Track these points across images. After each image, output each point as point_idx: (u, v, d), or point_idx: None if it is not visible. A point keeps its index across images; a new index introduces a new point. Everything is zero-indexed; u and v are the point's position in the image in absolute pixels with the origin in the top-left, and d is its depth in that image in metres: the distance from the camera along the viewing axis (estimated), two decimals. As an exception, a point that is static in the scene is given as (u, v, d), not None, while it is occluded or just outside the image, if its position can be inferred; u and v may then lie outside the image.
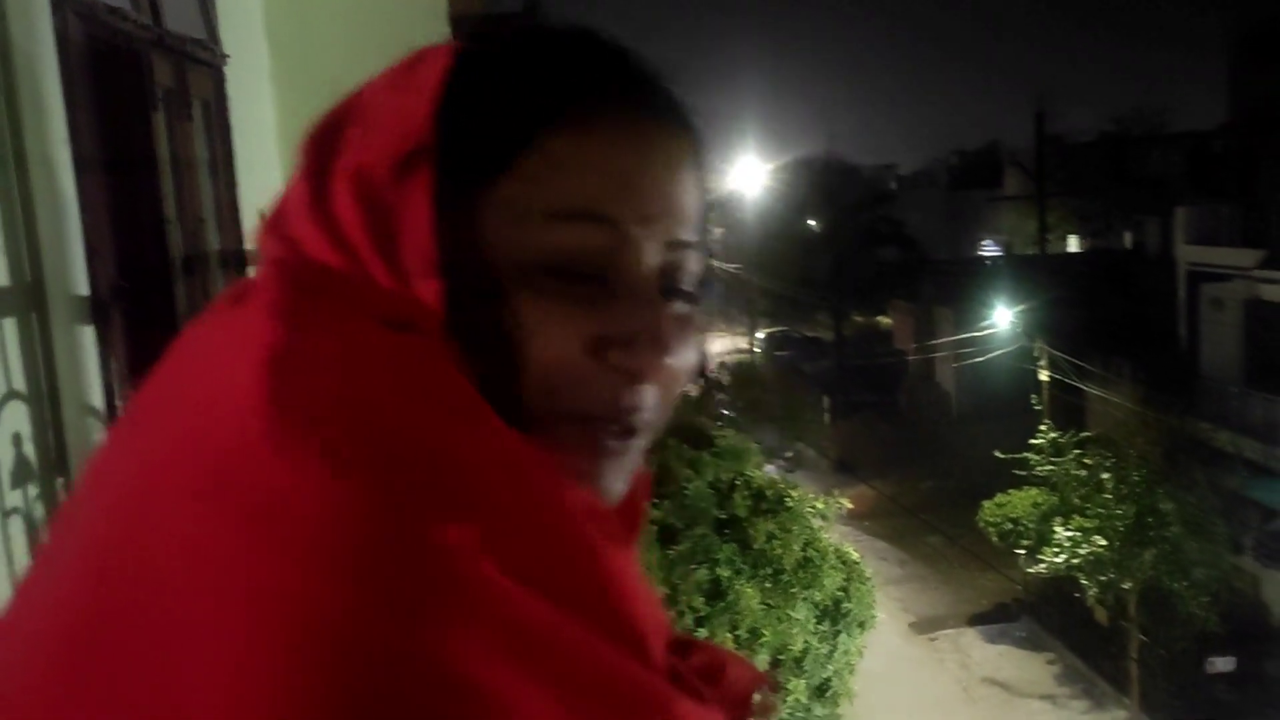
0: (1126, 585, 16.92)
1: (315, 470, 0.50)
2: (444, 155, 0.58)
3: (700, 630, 10.99)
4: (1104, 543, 16.64)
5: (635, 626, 0.56)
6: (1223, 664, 17.04)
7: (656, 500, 11.78)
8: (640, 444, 0.65)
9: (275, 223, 0.63)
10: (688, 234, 0.65)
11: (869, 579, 12.43)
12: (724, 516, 11.97)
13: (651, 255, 0.62)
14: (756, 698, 0.93)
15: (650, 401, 0.63)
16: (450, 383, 0.55)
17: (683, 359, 0.65)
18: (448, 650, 0.47)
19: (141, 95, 1.25)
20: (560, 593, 0.52)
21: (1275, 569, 17.89)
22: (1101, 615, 18.77)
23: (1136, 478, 16.93)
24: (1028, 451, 18.84)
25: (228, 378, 0.55)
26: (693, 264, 0.67)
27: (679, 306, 0.65)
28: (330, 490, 0.49)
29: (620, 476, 0.65)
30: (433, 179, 0.58)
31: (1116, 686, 18.16)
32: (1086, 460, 17.71)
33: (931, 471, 28.71)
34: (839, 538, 12.75)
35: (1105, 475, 17.21)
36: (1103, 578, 16.91)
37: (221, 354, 0.57)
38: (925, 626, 21.92)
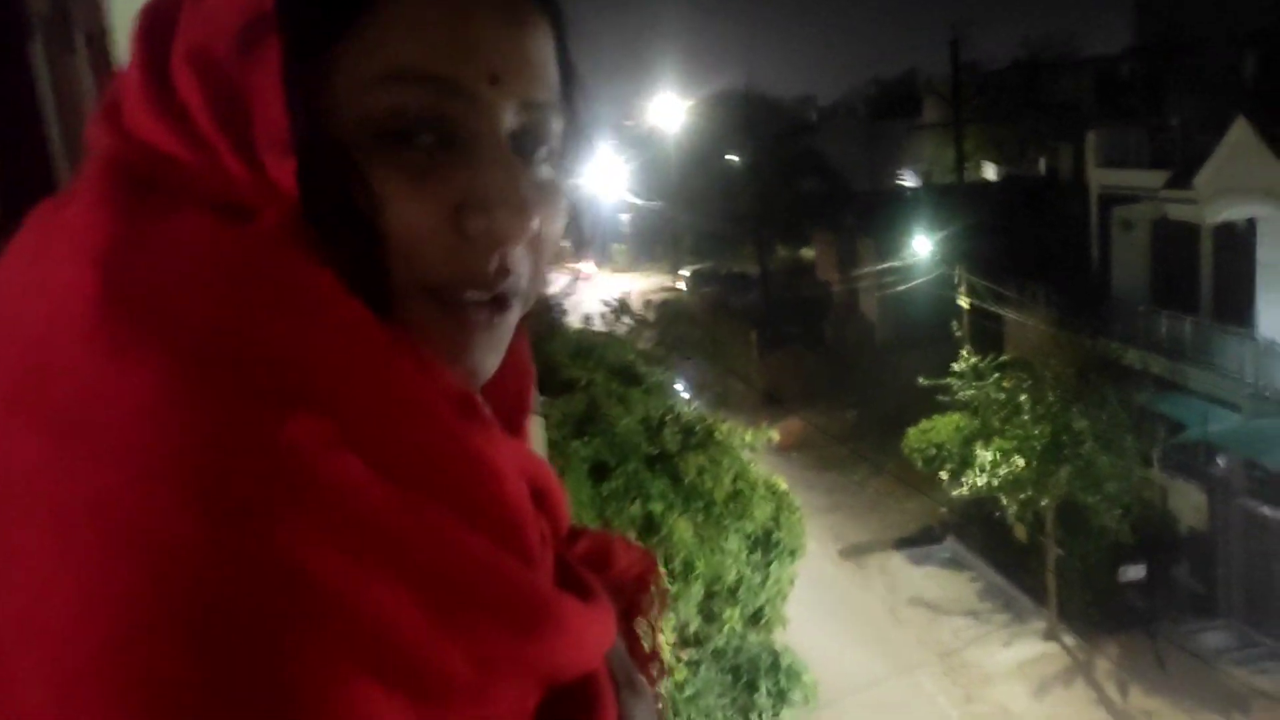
0: (1044, 502, 17.52)
1: (145, 369, 0.47)
2: (284, 23, 0.54)
3: (634, 565, 11.17)
4: (1022, 462, 17.18)
5: (507, 516, 0.54)
6: (1134, 572, 17.81)
7: (587, 437, 11.83)
8: (511, 316, 0.64)
9: (106, 116, 0.58)
10: (544, 95, 0.62)
11: (798, 508, 12.68)
12: (655, 452, 12.06)
13: (505, 117, 0.59)
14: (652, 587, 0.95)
15: (516, 268, 0.61)
16: (296, 269, 0.52)
17: (549, 224, 0.63)
18: (289, 548, 0.45)
19: (14, 22, 1.17)
20: (423, 483, 0.50)
21: (1181, 480, 18.67)
22: (1021, 533, 19.45)
23: (1052, 398, 17.45)
24: (949, 377, 19.29)
25: (50, 279, 0.51)
26: (554, 127, 0.64)
27: (542, 170, 0.63)
28: (162, 389, 0.46)
29: (491, 352, 0.63)
30: (279, 50, 0.54)
31: (1035, 599, 18.90)
32: (1005, 383, 18.19)
33: (857, 401, 29.26)
34: (769, 469, 12.94)
35: (1023, 397, 17.71)
36: (1021, 496, 17.49)
37: (43, 256, 0.53)
38: (854, 553, 22.50)
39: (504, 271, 0.60)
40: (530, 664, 0.53)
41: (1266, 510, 17.04)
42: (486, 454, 0.55)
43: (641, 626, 0.96)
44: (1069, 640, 17.91)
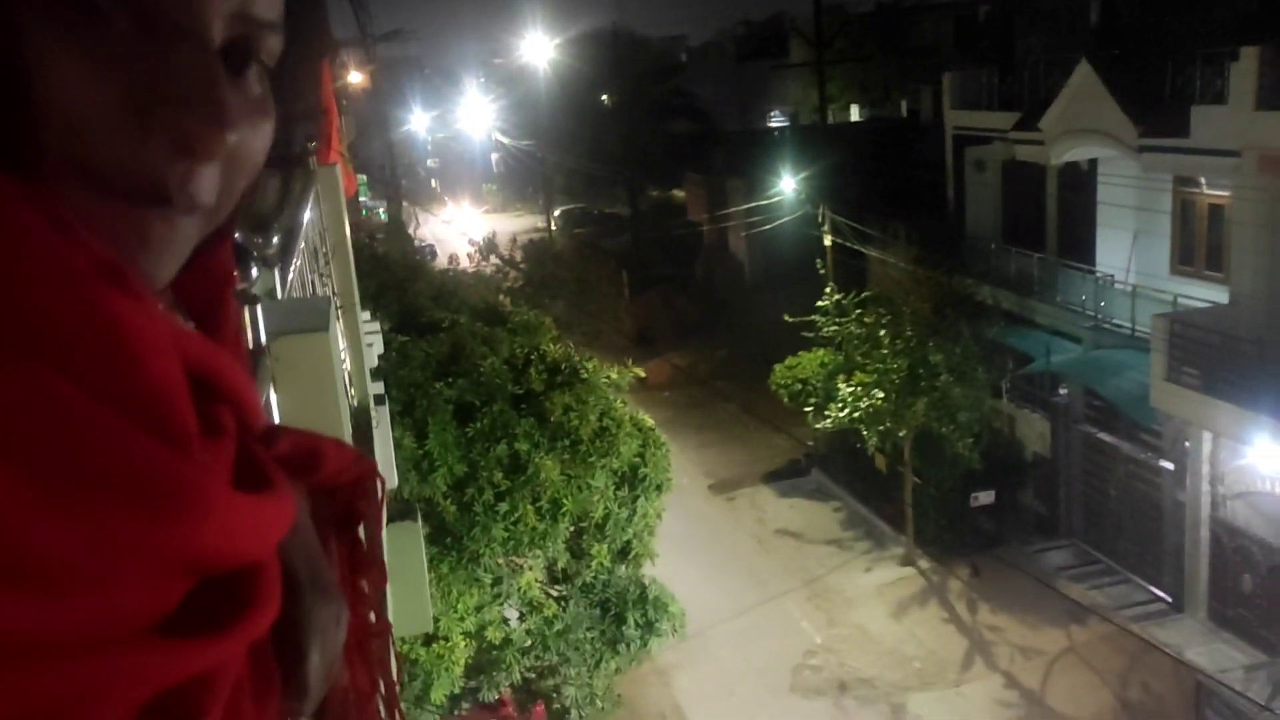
0: (902, 433, 18.21)
1: None
2: None
3: (503, 504, 11.16)
4: (882, 395, 17.79)
5: (146, 393, 0.51)
6: (984, 497, 18.75)
7: (451, 378, 11.71)
8: (190, 227, 0.61)
9: None
10: (266, 13, 0.60)
11: (665, 444, 12.83)
12: (520, 391, 12.02)
13: (216, 21, 0.57)
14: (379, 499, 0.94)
15: (205, 181, 0.58)
16: None
17: (249, 143, 0.61)
18: None
19: None
20: (40, 350, 0.46)
21: (1028, 409, 19.66)
22: (881, 463, 20.21)
23: (910, 333, 18.07)
24: (814, 314, 19.75)
25: None
26: (273, 47, 0.62)
27: (252, 88, 0.61)
28: None
29: (163, 258, 0.60)
30: None
31: (894, 526, 19.73)
32: (866, 319, 18.74)
33: (727, 340, 29.74)
34: (638, 408, 13.06)
35: (883, 332, 18.28)
36: (881, 428, 18.13)
37: None
38: (723, 487, 23.01)
39: (188, 179, 0.57)
40: (165, 551, 0.50)
41: (1103, 436, 18.11)
42: (128, 325, 0.51)
43: (361, 532, 0.95)
44: (924, 564, 18.79)
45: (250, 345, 1.76)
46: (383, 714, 0.98)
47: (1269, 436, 13.46)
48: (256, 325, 1.78)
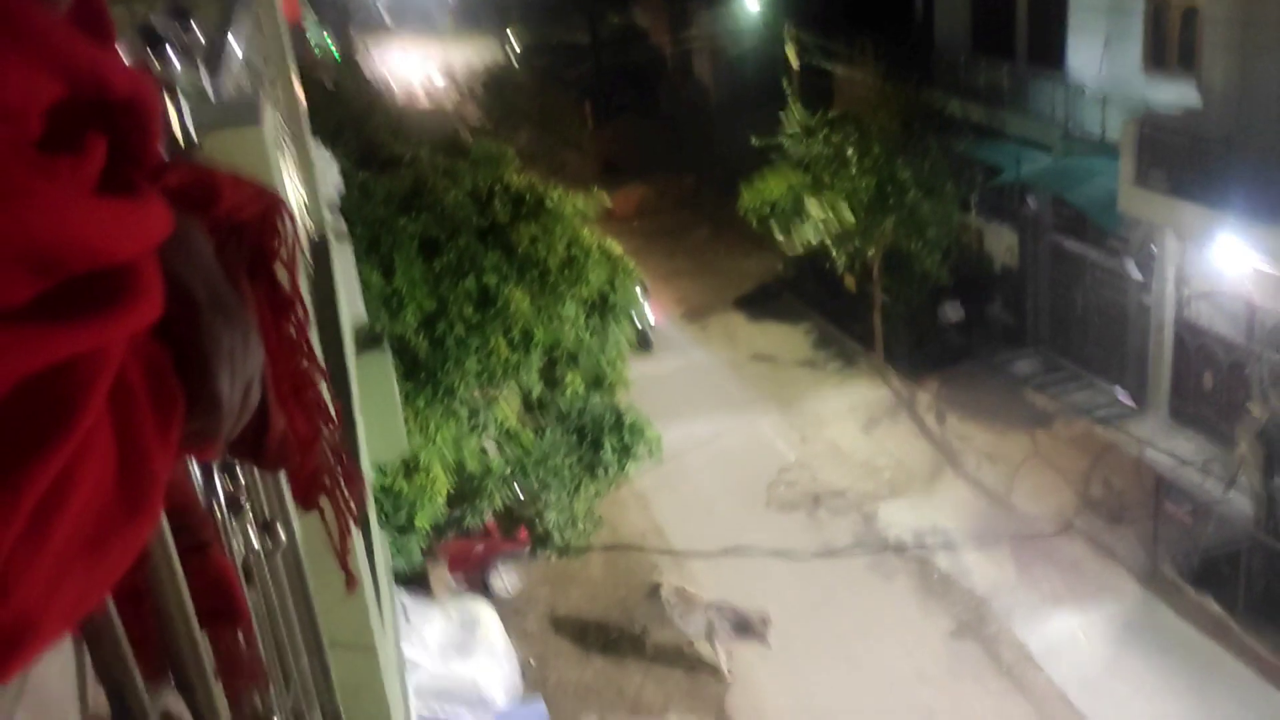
0: (870, 252, 18.25)
1: None
2: None
3: (474, 337, 11.19)
4: (850, 214, 17.71)
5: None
6: (952, 313, 18.97)
7: (415, 213, 11.53)
8: None
9: None
10: None
11: (633, 271, 12.81)
12: (486, 224, 11.88)
13: None
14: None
15: None
16: None
17: None
18: None
19: None
20: None
21: (996, 222, 19.67)
22: (850, 283, 20.31)
23: (878, 150, 17.85)
24: (781, 136, 19.43)
25: None
26: None
27: None
28: None
29: None
30: None
31: (865, 345, 20.01)
32: (833, 139, 18.47)
33: (694, 166, 29.31)
34: (608, 239, 12.96)
35: (850, 151, 18.06)
36: (850, 247, 18.14)
37: None
38: (696, 315, 23.15)
39: None
40: (10, 243, 0.52)
41: (1070, 244, 18.20)
42: None
43: (276, 272, 0.93)
44: (894, 380, 19.15)
45: (181, 141, 1.68)
46: (330, 460, 0.98)
47: (1233, 236, 13.57)
48: (182, 117, 1.68)
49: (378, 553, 3.06)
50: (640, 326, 18.73)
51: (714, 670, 13.00)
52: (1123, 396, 17.33)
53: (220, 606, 0.99)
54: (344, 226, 7.19)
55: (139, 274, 0.60)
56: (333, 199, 7.55)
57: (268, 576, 1.48)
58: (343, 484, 1.03)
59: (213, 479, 1.20)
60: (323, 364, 1.06)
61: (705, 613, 12.56)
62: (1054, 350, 18.92)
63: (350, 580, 1.20)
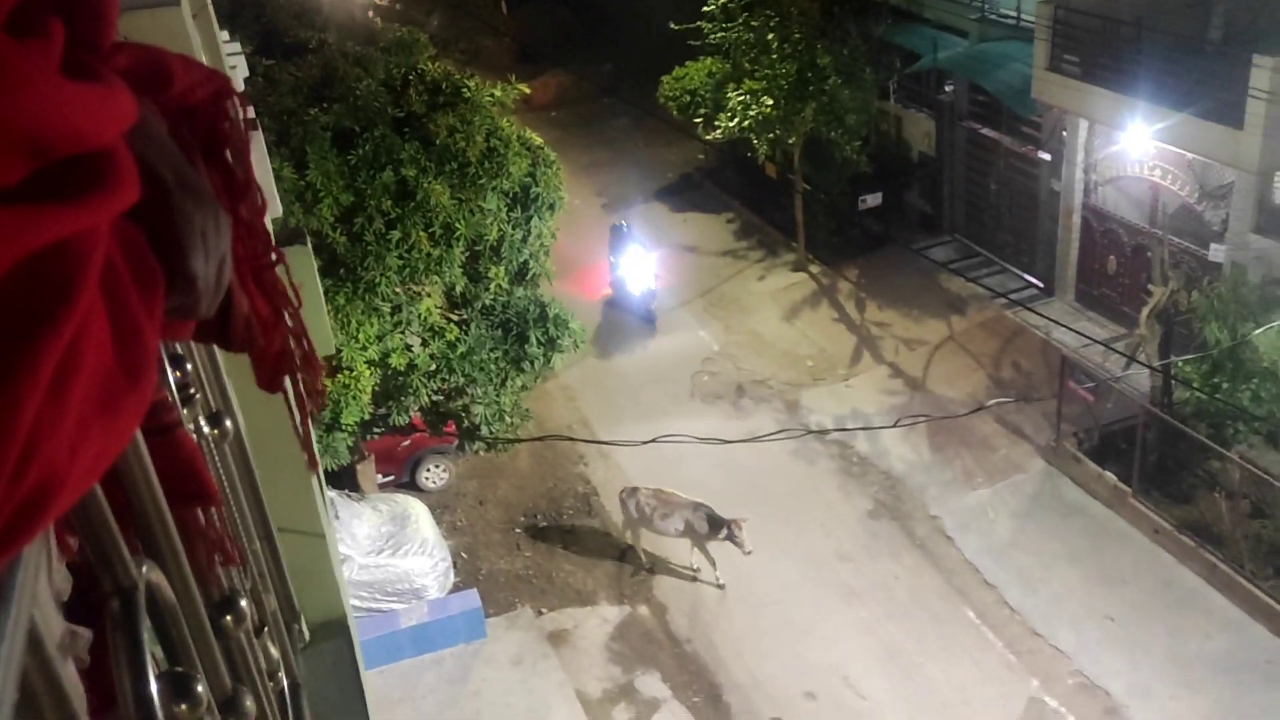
0: (791, 140, 18.24)
1: None
2: None
3: (394, 232, 11.00)
4: (770, 102, 17.62)
5: None
6: (872, 200, 19.17)
7: (326, 104, 11.17)
8: None
9: None
10: None
11: (555, 162, 12.63)
12: (401, 114, 11.57)
13: None
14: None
15: None
16: None
17: None
18: None
19: None
20: None
21: (914, 108, 19.77)
22: (771, 171, 20.33)
23: (798, 35, 17.69)
24: (701, 21, 19.10)
25: None
26: None
27: None
28: None
29: None
30: None
31: (786, 233, 20.16)
32: (753, 23, 18.22)
33: (612, 53, 28.71)
34: (528, 130, 12.71)
35: (770, 36, 17.86)
36: (771, 135, 18.10)
37: None
38: (617, 206, 22.98)
39: None
40: None
41: (985, 131, 18.42)
42: None
43: (230, 159, 0.94)
44: (815, 268, 19.40)
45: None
46: (292, 343, 1.01)
47: (1141, 121, 13.87)
48: None
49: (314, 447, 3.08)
50: (640, 295, 18.27)
51: (640, 558, 13.37)
52: (1032, 281, 17.84)
53: (191, 488, 1.02)
54: (252, 115, 6.96)
55: (117, 157, 0.62)
56: (239, 86, 7.28)
57: (218, 464, 1.51)
58: (305, 367, 1.06)
59: (164, 369, 1.22)
60: (294, 282, 1.07)
61: (683, 514, 12.56)
62: (969, 236, 19.31)
63: (311, 461, 1.24)
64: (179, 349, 1.37)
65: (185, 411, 1.36)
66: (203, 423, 1.43)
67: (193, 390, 1.38)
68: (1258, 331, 11.84)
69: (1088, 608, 12.12)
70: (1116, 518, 13.20)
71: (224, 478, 1.58)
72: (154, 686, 0.77)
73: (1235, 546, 12.00)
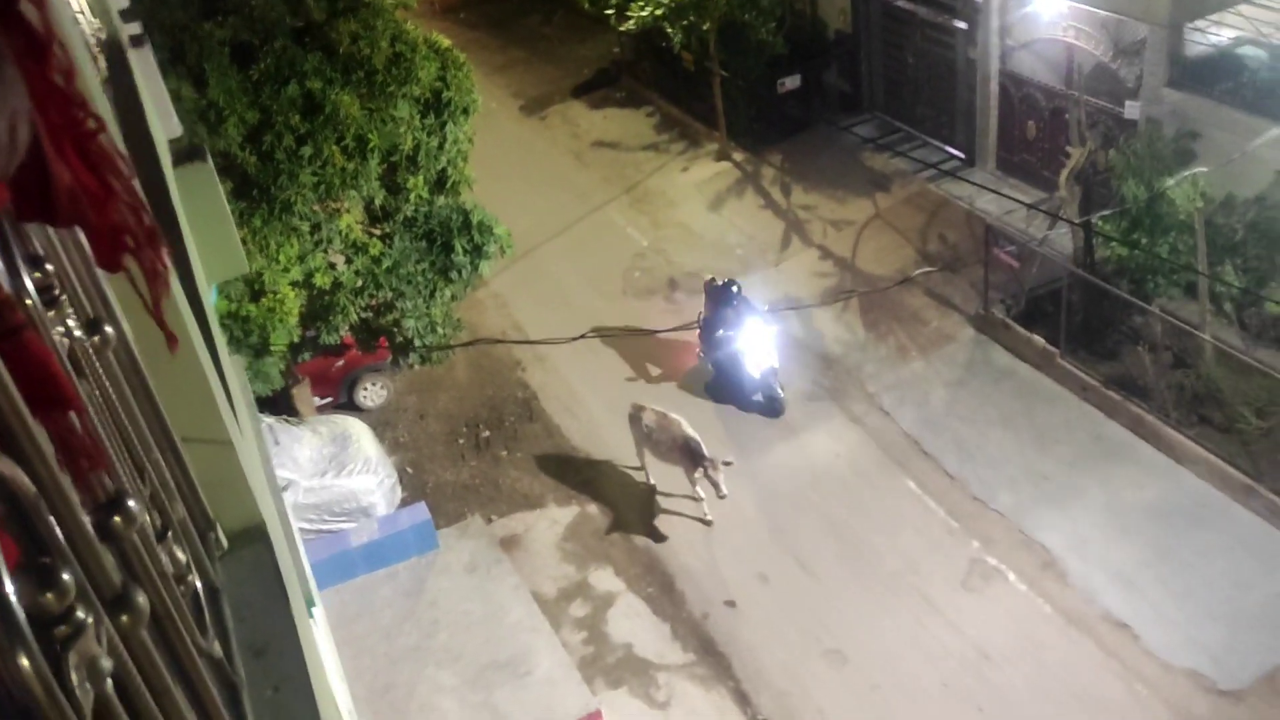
0: (705, 26, 17.90)
1: None
2: None
3: (305, 148, 10.66)
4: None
5: None
6: (790, 82, 18.98)
7: (221, 16, 10.68)
8: None
9: None
10: None
11: (465, 63, 12.26)
12: (301, 24, 11.11)
13: None
14: None
15: None
16: None
17: None
18: None
19: None
20: None
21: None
22: (688, 61, 19.98)
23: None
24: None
25: None
26: None
27: None
28: None
29: None
30: None
31: (707, 123, 19.93)
32: (659, -94, 17.68)
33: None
34: (436, 34, 12.28)
35: (677, -82, 17.37)
36: (685, 22, 17.75)
37: None
38: (533, 107, 22.52)
39: None
40: None
41: (900, 3, 18.22)
42: None
43: (24, 15, 0.86)
44: (739, 156, 19.26)
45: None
46: (129, 218, 0.95)
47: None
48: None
49: (226, 366, 3.00)
50: (759, 377, 13.65)
51: (587, 460, 13.47)
52: (954, 152, 17.91)
53: (46, 393, 0.96)
54: (139, 30, 6.62)
55: None
56: (120, 1, 6.91)
57: (100, 371, 1.45)
58: (147, 241, 1.00)
59: (16, 267, 1.15)
60: (123, 151, 1.00)
61: (676, 443, 12.15)
62: (889, 112, 19.27)
63: (170, 339, 1.18)
64: (39, 248, 1.30)
65: (52, 315, 1.29)
66: (75, 328, 1.36)
67: (58, 292, 1.31)
68: (1171, 183, 12.06)
69: (1023, 468, 12.51)
70: (1046, 379, 13.55)
71: (111, 386, 1.51)
72: (5, 575, 0.73)
73: (1160, 397, 12.41)
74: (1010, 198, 14.37)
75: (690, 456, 12.01)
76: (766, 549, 12.01)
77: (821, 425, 13.58)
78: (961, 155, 17.77)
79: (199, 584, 1.51)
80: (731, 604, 11.47)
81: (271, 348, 10.45)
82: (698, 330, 14.29)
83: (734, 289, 13.96)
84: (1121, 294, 12.87)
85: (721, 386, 14.04)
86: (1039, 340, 13.65)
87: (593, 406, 14.41)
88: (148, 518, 1.33)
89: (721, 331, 13.78)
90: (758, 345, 13.61)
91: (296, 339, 11.25)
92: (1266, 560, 10.98)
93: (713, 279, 14.36)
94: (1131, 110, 14.15)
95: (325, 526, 12.29)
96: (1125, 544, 11.43)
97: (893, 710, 10.22)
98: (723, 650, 11.03)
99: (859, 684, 10.51)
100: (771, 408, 13.69)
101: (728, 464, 11.84)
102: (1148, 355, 12.73)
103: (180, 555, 1.43)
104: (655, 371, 14.69)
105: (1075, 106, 13.90)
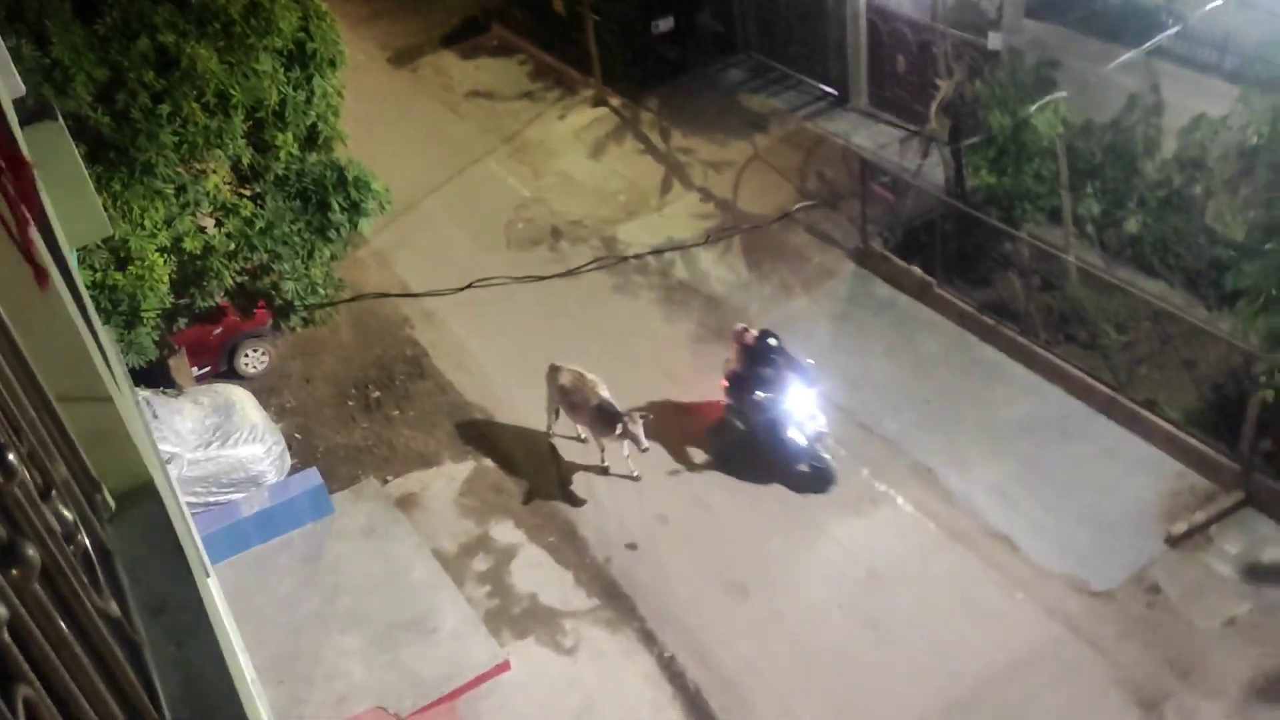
0: (575, -31, 17.63)
1: None
2: None
3: (164, 105, 10.16)
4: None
5: None
6: (664, 24, 18.89)
7: (59, -29, 10.02)
8: None
9: None
10: None
11: (328, 13, 11.81)
12: (148, -25, 10.52)
13: None
14: None
15: None
16: None
17: None
18: None
19: None
20: None
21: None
22: (559, 5, 19.70)
23: None
24: None
25: None
26: None
27: None
28: None
29: None
30: None
31: (581, 70, 19.73)
32: None
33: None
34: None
35: None
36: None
37: None
38: (403, 58, 21.92)
39: None
40: None
41: (768, -58, 18.27)
42: None
43: None
44: (615, 102, 19.14)
45: None
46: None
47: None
48: None
49: (98, 327, 2.87)
50: (806, 440, 11.85)
51: (482, 413, 13.37)
52: (827, 90, 18.14)
53: None
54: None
55: None
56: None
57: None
58: (8, 165, 0.94)
59: None
60: None
61: (592, 402, 11.97)
62: (763, 52, 19.37)
63: (39, 275, 1.12)
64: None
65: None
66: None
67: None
68: (1033, 109, 12.47)
69: (906, 395, 12.91)
70: (924, 308, 13.96)
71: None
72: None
73: (1030, 319, 12.94)
74: (882, 142, 14.64)
75: (605, 418, 11.88)
76: (663, 490, 12.16)
77: (710, 366, 13.73)
78: (835, 92, 18.00)
79: (89, 544, 1.45)
80: (633, 546, 11.61)
81: (142, 315, 10.02)
82: (723, 384, 12.51)
83: (771, 342, 12.05)
84: (991, 221, 13.30)
85: (748, 452, 12.20)
86: (917, 271, 14.03)
87: (484, 360, 14.29)
88: (28, 474, 1.27)
89: (759, 394, 11.88)
90: (802, 407, 11.81)
91: (169, 306, 10.81)
92: (1128, 465, 11.62)
93: (744, 328, 12.40)
94: (994, 41, 14.52)
95: (214, 499, 11.95)
96: (1001, 460, 11.94)
97: (794, 635, 10.54)
98: (626, 593, 11.17)
99: (761, 614, 10.79)
100: (821, 477, 11.83)
101: (646, 417, 11.76)
102: (1018, 280, 13.22)
103: (67, 514, 1.37)
104: (541, 323, 14.61)
105: (941, 40, 14.20)
